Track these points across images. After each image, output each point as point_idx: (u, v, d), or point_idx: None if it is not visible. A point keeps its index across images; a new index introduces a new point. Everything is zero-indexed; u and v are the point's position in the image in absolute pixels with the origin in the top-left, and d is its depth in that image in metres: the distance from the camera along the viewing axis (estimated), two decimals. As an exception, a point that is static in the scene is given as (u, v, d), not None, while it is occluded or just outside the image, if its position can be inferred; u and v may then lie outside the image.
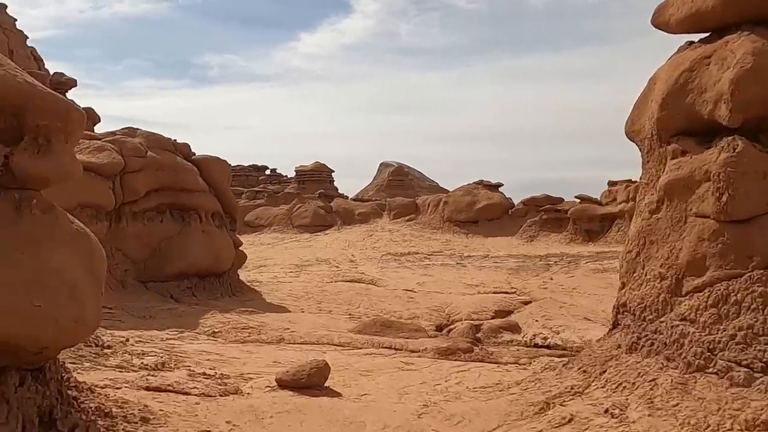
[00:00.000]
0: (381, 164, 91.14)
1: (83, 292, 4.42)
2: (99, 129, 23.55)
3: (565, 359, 7.97)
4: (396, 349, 12.06)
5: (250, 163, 74.09)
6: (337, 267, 25.88)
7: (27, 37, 66.97)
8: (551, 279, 22.78)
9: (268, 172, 69.91)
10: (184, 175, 15.65)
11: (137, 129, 15.83)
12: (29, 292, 4.06)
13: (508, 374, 9.62)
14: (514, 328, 15.06)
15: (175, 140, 16.47)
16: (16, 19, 68.07)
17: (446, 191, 52.73)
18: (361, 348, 11.92)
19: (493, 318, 16.83)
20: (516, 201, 36.58)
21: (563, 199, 35.05)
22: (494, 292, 20.90)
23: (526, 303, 18.94)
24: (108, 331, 10.79)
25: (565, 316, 16.45)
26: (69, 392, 5.10)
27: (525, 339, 14.48)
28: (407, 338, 13.40)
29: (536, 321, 15.81)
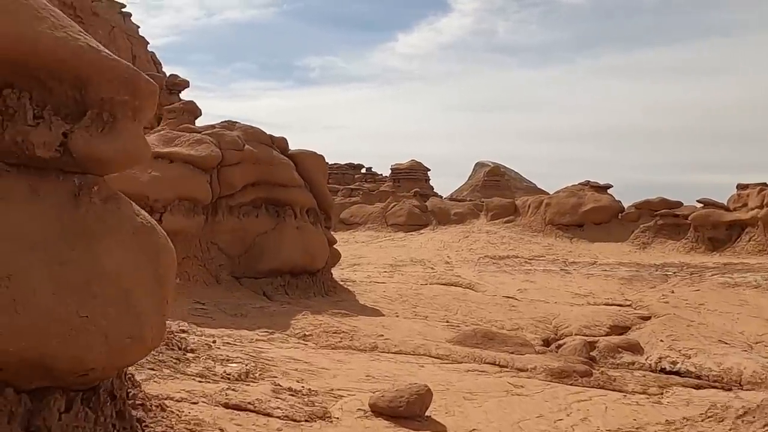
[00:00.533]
0: (476, 164, 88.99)
1: (143, 301, 3.58)
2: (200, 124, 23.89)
3: (727, 402, 6.29)
4: (501, 366, 10.71)
5: (347, 162, 74.98)
6: (432, 269, 24.72)
7: (148, 43, 71.66)
8: (672, 292, 20.23)
9: (363, 170, 70.31)
10: (280, 169, 15.17)
11: (236, 122, 15.57)
12: (75, 298, 3.25)
13: (641, 409, 8.01)
14: (635, 348, 13.15)
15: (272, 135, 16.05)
16: (138, 27, 72.97)
17: (544, 192, 49.92)
18: (461, 362, 10.69)
19: (607, 334, 14.93)
20: (625, 204, 33.62)
21: (682, 203, 31.69)
22: (606, 304, 18.83)
23: (645, 319, 16.77)
24: (199, 329, 10.34)
25: (696, 337, 14.22)
26: (134, 412, 4.32)
27: (649, 362, 12.55)
28: (512, 353, 11.99)
29: (661, 341, 13.76)
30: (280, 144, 16.17)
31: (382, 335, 11.54)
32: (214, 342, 8.51)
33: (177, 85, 52.81)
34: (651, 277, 23.37)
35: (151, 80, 4.29)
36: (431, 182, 42.87)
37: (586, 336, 14.55)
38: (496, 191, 60.76)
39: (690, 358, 12.73)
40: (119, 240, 3.69)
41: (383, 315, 14.26)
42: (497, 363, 10.80)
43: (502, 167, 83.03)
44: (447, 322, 14.60)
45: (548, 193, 39.41)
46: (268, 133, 16.39)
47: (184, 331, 9.99)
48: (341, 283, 18.05)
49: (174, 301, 12.00)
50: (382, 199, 39.52)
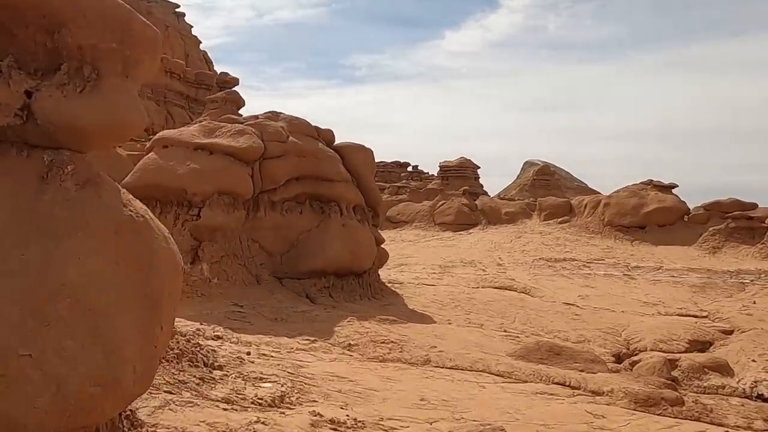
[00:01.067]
0: (525, 163, 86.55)
1: (121, 329, 2.47)
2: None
3: None
4: (572, 388, 9.29)
5: (393, 160, 74.11)
6: (483, 270, 23.26)
7: (200, 42, 72.53)
8: (754, 303, 18.14)
9: (410, 168, 69.31)
10: (326, 163, 14.11)
11: (280, 113, 14.61)
12: (16, 327, 2.16)
13: (757, 454, 6.52)
14: (724, 369, 11.43)
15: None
16: (192, 26, 73.86)
17: (595, 192, 47.35)
18: (526, 381, 9.33)
19: (687, 350, 13.21)
20: (689, 206, 31.16)
21: (757, 205, 29.03)
22: (680, 315, 16.98)
23: (727, 333, 14.90)
24: (235, 335, 9.36)
25: (793, 356, 12.36)
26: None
27: (742, 386, 10.84)
28: (582, 371, 10.53)
29: (753, 361, 11.98)
30: (326, 136, 15.13)
31: (435, 347, 10.29)
32: (248, 354, 7.47)
33: (227, 82, 52.98)
34: (726, 285, 21.23)
35: (150, 25, 3.16)
36: (481, 180, 41.19)
37: (663, 352, 12.89)
38: (546, 191, 58.34)
39: (791, 382, 10.95)
40: (93, 240, 2.59)
41: (435, 322, 13.00)
42: (568, 384, 9.39)
43: (552, 166, 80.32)
44: (505, 331, 13.21)
45: (600, 194, 37.18)
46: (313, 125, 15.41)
47: (219, 337, 9.02)
48: (388, 284, 16.88)
49: (211, 302, 11.09)
50: (429, 197, 38.16)
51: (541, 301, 17.64)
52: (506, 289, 19.95)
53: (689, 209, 30.88)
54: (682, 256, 27.08)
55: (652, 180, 31.95)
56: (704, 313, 17.06)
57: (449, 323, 13.18)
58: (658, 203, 30.38)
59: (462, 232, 34.12)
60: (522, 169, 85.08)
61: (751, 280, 22.00)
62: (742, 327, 15.13)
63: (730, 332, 14.97)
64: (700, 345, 13.79)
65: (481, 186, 41.10)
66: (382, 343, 10.11)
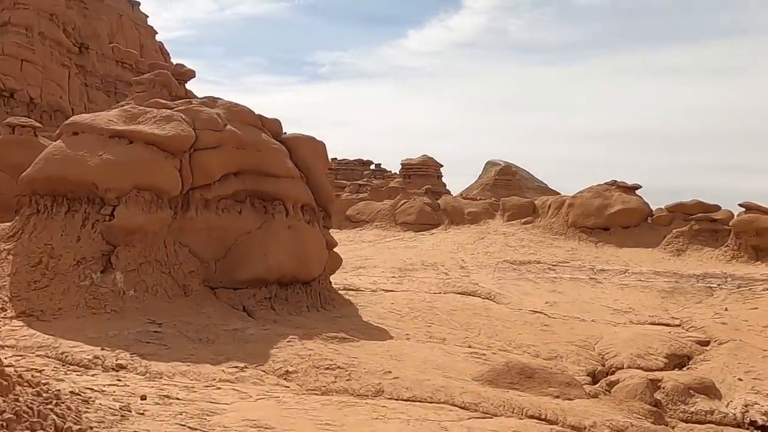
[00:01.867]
0: (487, 163, 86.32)
1: None
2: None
3: None
4: (549, 422, 7.83)
5: (356, 158, 72.73)
6: (446, 274, 21.81)
7: (156, 33, 69.08)
8: (726, 310, 17.20)
9: (373, 166, 68.00)
10: (271, 156, 12.33)
11: (218, 99, 12.75)
12: None
13: None
14: (710, 391, 10.20)
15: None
16: (147, 16, 70.18)
17: (556, 193, 46.74)
18: (496, 415, 7.82)
19: (665, 366, 11.99)
20: (652, 208, 30.50)
21: (720, 207, 28.53)
22: (653, 323, 15.86)
23: (703, 344, 13.79)
24: (143, 363, 7.53)
25: (778, 373, 11.27)
26: None
27: (733, 411, 9.61)
28: (557, 396, 9.10)
29: (739, 380, 10.81)
30: (272, 127, 13.33)
31: (390, 372, 8.66)
32: (143, 399, 5.67)
33: (183, 75, 50.11)
34: (694, 290, 20.34)
35: None
36: (444, 179, 39.85)
37: (641, 368, 11.63)
38: (507, 191, 57.69)
39: (784, 406, 9.79)
40: None
41: (391, 337, 11.38)
42: (544, 417, 7.91)
43: (513, 166, 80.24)
44: (469, 347, 11.71)
45: (561, 194, 36.39)
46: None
47: (121, 367, 7.18)
48: (342, 292, 15.19)
49: (123, 320, 9.14)
50: (391, 196, 36.62)
51: (508, 309, 16.26)
52: (470, 294, 18.53)
53: (652, 211, 30.25)
54: (647, 259, 26.28)
55: (616, 180, 31.20)
56: (677, 322, 15.99)
57: (408, 338, 11.59)
58: (623, 204, 29.62)
59: (424, 233, 32.70)
60: (484, 168, 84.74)
61: (718, 285, 21.22)
62: (718, 338, 14.06)
63: (706, 343, 13.87)
64: (679, 359, 12.60)
65: (444, 185, 39.81)
66: (327, 369, 8.42)
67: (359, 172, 62.35)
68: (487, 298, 18.06)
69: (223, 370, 7.87)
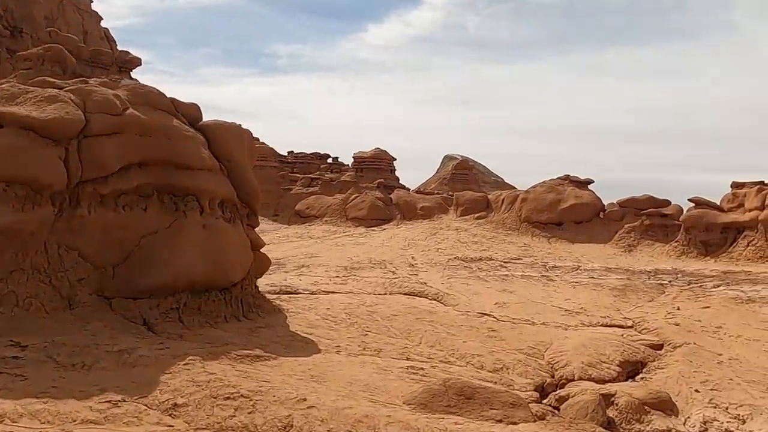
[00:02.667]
0: (445, 157, 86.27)
1: None
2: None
3: None
4: (488, 459, 6.61)
5: (313, 152, 71.29)
6: (393, 273, 20.54)
7: (101, 19, 65.18)
8: (677, 308, 16.52)
9: (330, 160, 66.56)
10: (183, 145, 10.69)
11: (121, 79, 11.01)
12: None
13: None
14: (666, 406, 9.23)
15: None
16: (92, 1, 66.18)
17: (512, 188, 46.29)
18: (425, 452, 6.53)
19: (619, 376, 11.01)
20: (604, 203, 30.03)
21: (670, 202, 28.29)
22: (605, 325, 14.97)
23: (657, 347, 12.93)
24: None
25: (736, 381, 10.41)
26: None
27: (691, 430, 8.65)
28: (501, 420, 7.90)
29: (696, 391, 9.89)
30: (189, 111, 11.67)
31: (305, 399, 7.25)
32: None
33: (128, 62, 47.16)
34: (646, 287, 19.71)
35: None
36: (398, 173, 38.57)
37: (593, 379, 10.62)
38: (464, 185, 57.12)
39: (745, 422, 8.88)
40: None
41: (319, 351, 9.97)
42: (482, 452, 6.68)
43: (470, 161, 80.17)
44: (407, 359, 10.42)
45: (516, 188, 35.72)
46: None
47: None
48: (274, 297, 13.69)
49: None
50: (343, 191, 35.17)
51: (454, 312, 15.08)
52: (416, 295, 17.31)
53: (605, 206, 29.80)
54: (599, 255, 25.71)
55: (569, 175, 30.63)
56: (629, 323, 15.16)
57: (338, 351, 10.20)
58: (575, 199, 29.03)
59: (375, 228, 31.41)
60: (441, 163, 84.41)
61: (669, 281, 20.69)
62: (672, 340, 13.23)
63: (660, 347, 13.02)
64: (632, 366, 11.66)
65: (398, 179, 38.56)
66: (227, 399, 6.95)
67: (316, 166, 60.72)
68: (434, 300, 16.88)
69: (90, 407, 6.30)
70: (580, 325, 14.61)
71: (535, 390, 9.92)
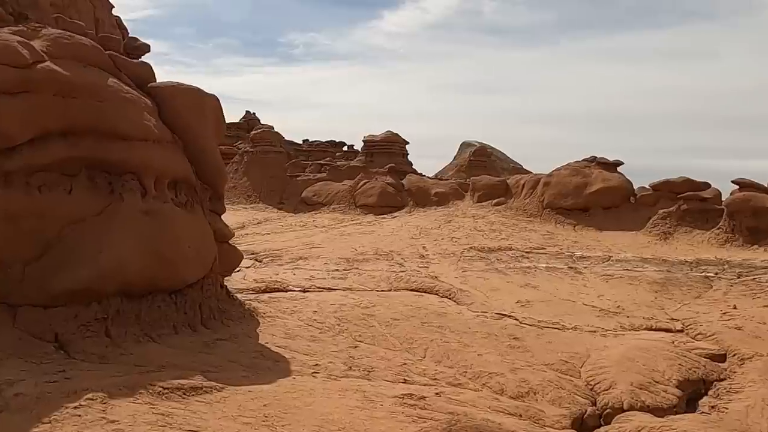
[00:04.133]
0: (462, 144, 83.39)
1: None
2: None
3: None
4: None
5: (328, 139, 69.38)
6: (401, 265, 18.06)
7: (113, 7, 63.48)
8: (734, 308, 13.76)
9: (345, 148, 64.61)
10: (120, 109, 8.29)
11: (44, 27, 8.64)
12: None
13: None
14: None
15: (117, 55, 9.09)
16: (103, -11, 64.30)
17: (531, 174, 43.28)
18: None
19: (679, 402, 8.41)
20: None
21: (709, 185, 25.20)
22: (649, 329, 12.31)
23: (718, 358, 10.25)
24: None
25: (839, 412, 7.78)
26: None
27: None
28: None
29: (792, 429, 7.32)
30: (136, 71, 9.28)
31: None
32: None
33: (137, 48, 45.19)
34: (689, 281, 16.90)
35: None
36: (415, 165, 35.82)
37: (648, 408, 8.06)
38: (483, 171, 54.19)
39: None
40: None
41: (289, 374, 7.55)
42: None
43: (488, 147, 77.19)
44: (405, 381, 7.95)
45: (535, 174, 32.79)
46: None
47: None
48: (251, 298, 11.32)
49: None
50: (351, 176, 32.67)
51: (469, 312, 12.56)
52: (425, 292, 14.81)
53: (635, 190, 26.83)
54: (631, 244, 22.85)
55: (595, 157, 27.68)
56: (678, 325, 12.47)
57: (315, 373, 7.77)
58: (603, 182, 26.12)
59: (386, 216, 28.90)
60: (459, 150, 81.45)
61: (716, 273, 17.83)
62: (737, 350, 10.54)
63: (722, 358, 10.37)
64: (693, 386, 9.06)
65: (410, 164, 35.90)
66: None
67: (331, 154, 58.55)
68: (446, 297, 14.36)
69: None
70: (619, 329, 11.98)
71: (572, 426, 7.40)
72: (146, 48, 48.52)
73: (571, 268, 18.67)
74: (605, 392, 8.38)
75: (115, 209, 8.00)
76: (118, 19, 68.98)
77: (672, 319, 12.98)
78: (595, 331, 11.57)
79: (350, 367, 8.14)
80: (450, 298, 14.20)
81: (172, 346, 7.74)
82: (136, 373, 6.40)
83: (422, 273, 16.84)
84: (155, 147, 8.60)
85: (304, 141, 74.34)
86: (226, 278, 10.61)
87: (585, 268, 18.77)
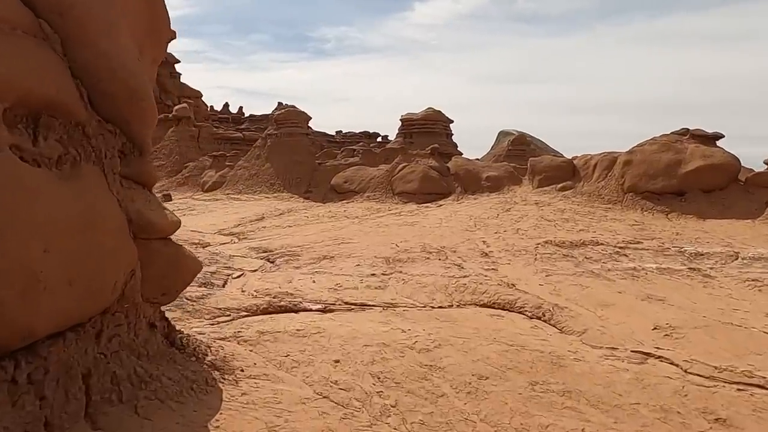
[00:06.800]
0: (500, 133, 78.07)
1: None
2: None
3: None
4: None
5: (362, 131, 66.00)
6: (459, 267, 13.03)
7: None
8: None
9: (380, 139, 60.74)
10: None
11: None
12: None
13: None
14: None
15: None
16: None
17: (604, 153, 37.60)
18: None
19: None
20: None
21: None
22: None
23: None
24: None
25: None
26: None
27: None
28: None
29: None
30: None
31: None
32: None
33: (162, 37, 41.57)
34: None
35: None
36: (454, 139, 30.63)
37: None
38: (522, 161, 48.94)
39: None
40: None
41: None
42: None
43: (528, 136, 71.22)
44: None
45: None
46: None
47: None
48: (227, 336, 6.52)
49: None
50: (388, 160, 27.74)
51: (590, 351, 7.43)
52: (504, 308, 9.75)
53: (742, 168, 21.03)
54: (751, 235, 17.21)
55: (689, 129, 21.93)
56: None
57: None
58: (703, 159, 20.41)
59: (429, 205, 23.89)
60: (496, 139, 76.09)
61: None
62: None
63: None
64: None
65: (455, 145, 30.67)
66: None
67: (365, 145, 54.46)
68: (537, 317, 9.26)
69: None
70: None
71: None
72: (172, 34, 44.75)
73: (693, 269, 13.25)
74: None
75: None
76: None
77: None
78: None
79: None
80: (545, 320, 9.10)
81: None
82: None
83: (492, 278, 11.76)
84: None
85: (337, 132, 69.65)
86: (203, 291, 5.78)
87: (711, 269, 13.34)
